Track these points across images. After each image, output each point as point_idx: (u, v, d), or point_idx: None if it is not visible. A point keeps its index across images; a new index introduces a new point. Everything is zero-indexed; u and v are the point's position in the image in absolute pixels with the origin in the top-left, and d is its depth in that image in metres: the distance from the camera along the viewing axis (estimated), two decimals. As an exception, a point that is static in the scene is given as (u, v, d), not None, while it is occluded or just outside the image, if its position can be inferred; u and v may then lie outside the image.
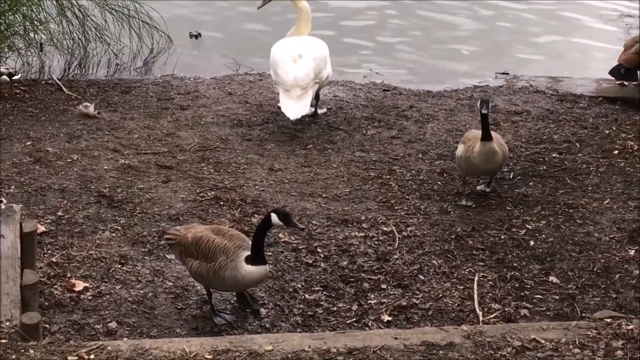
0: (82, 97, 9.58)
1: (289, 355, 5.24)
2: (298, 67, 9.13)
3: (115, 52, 10.65)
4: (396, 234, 7.47)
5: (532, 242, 7.42)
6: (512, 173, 8.45)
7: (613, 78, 10.32)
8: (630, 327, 5.55)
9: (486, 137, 7.68)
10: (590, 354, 5.35)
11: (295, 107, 9.03)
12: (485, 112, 7.54)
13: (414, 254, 7.22)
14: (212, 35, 11.68)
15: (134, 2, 10.57)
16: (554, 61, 11.69)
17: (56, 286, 6.53)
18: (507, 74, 10.92)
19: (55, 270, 6.70)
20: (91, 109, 9.21)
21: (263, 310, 6.48)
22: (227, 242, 6.18)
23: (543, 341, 5.43)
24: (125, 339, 6.01)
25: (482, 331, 5.54)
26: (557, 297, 6.79)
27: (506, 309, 6.60)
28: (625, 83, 10.35)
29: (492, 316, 6.51)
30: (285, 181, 8.21)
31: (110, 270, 6.78)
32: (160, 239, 7.14)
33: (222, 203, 7.75)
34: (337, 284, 6.84)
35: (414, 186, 8.23)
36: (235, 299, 6.55)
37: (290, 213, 6.21)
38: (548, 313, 6.61)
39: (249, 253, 6.11)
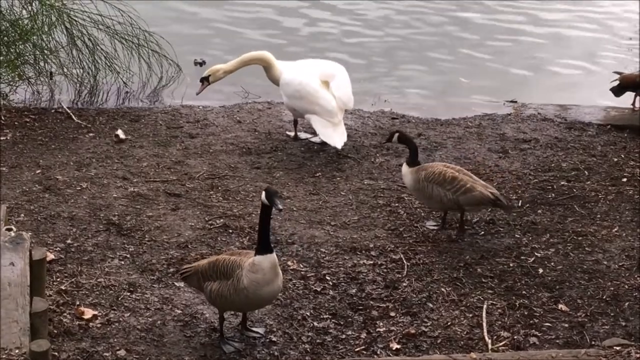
0: (91, 126, 9.63)
1: (298, 383, 5.25)
2: (338, 89, 9.10)
3: (124, 81, 10.68)
4: (405, 261, 7.46)
5: (541, 270, 7.42)
6: (520, 201, 8.45)
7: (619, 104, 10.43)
8: (640, 355, 5.55)
9: (407, 159, 7.86)
10: (599, 382, 5.36)
11: (337, 134, 9.06)
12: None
13: (422, 282, 7.22)
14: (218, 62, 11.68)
15: (144, 31, 10.61)
16: (562, 89, 11.71)
17: (65, 314, 6.53)
18: (516, 102, 10.93)
19: (65, 298, 6.71)
20: (122, 134, 9.41)
21: (272, 338, 6.49)
22: (240, 257, 6.21)
23: (552, 369, 5.43)
24: (134, 366, 6.03)
25: (491, 359, 5.53)
26: (566, 325, 6.78)
27: (515, 337, 6.58)
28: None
29: (501, 344, 6.49)
30: (294, 209, 8.21)
31: (119, 298, 6.78)
32: (169, 267, 7.15)
33: (230, 231, 7.76)
34: (346, 311, 6.83)
35: (423, 214, 8.23)
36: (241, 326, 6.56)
37: (278, 193, 6.06)
38: (557, 341, 6.59)
39: None
